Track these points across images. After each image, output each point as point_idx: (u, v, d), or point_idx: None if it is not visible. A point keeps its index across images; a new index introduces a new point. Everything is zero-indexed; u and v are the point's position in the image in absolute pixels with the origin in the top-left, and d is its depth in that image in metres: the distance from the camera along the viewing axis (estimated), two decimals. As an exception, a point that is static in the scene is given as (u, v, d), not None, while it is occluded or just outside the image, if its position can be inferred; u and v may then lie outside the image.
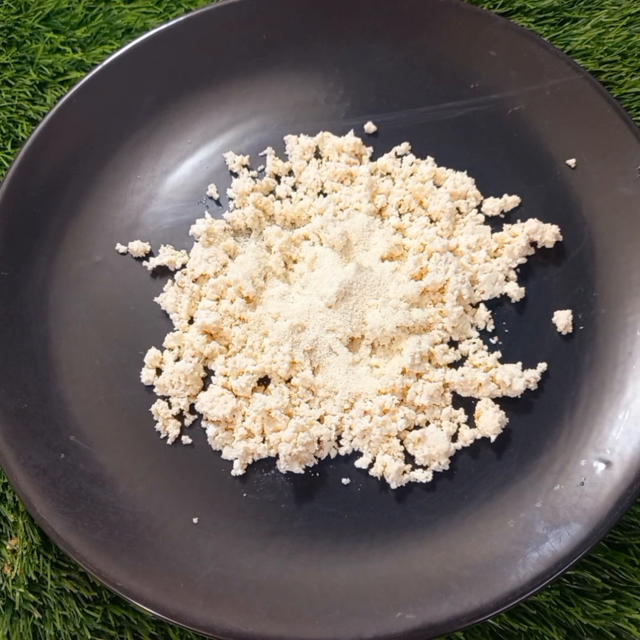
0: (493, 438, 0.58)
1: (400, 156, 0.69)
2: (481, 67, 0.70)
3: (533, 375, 0.59)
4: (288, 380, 0.61)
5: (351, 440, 0.59)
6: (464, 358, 0.62)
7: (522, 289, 0.63)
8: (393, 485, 0.57)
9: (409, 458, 0.58)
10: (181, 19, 0.71)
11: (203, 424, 0.60)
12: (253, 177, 0.69)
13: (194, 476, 0.58)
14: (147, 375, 0.61)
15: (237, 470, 0.58)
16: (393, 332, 0.60)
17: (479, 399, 0.60)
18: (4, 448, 0.56)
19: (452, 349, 0.62)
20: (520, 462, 0.57)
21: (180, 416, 0.60)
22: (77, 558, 0.53)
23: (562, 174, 0.66)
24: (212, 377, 0.61)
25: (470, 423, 0.59)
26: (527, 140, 0.68)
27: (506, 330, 0.62)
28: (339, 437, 0.59)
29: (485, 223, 0.66)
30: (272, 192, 0.68)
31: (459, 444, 0.58)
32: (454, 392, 0.60)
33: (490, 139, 0.68)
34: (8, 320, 0.61)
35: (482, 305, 0.63)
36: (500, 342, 0.62)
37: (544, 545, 0.53)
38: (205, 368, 0.62)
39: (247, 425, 0.59)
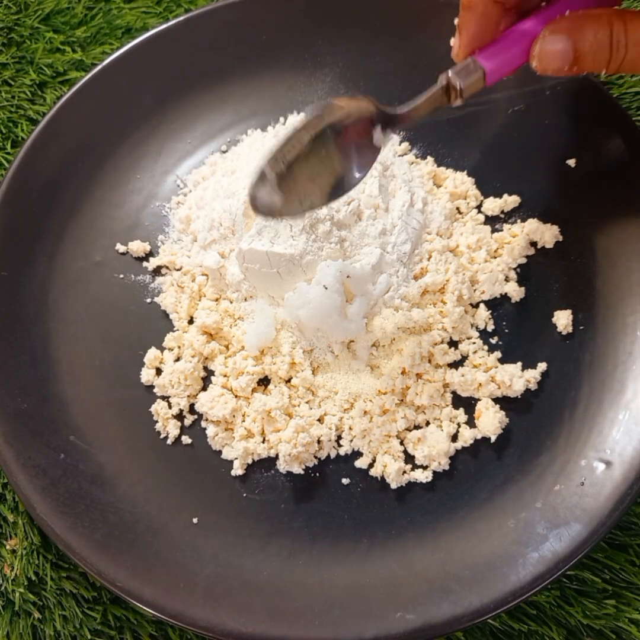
0: (493, 438, 0.58)
1: (400, 156, 0.69)
2: (481, 67, 0.70)
3: (533, 375, 0.59)
4: (288, 381, 0.61)
5: (351, 440, 0.59)
6: (464, 358, 0.62)
7: (522, 289, 0.63)
8: (393, 486, 0.57)
9: (409, 458, 0.58)
10: (181, 19, 0.72)
11: (203, 424, 0.60)
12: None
13: (194, 476, 0.58)
14: (147, 375, 0.61)
15: (237, 470, 0.58)
16: (393, 333, 0.60)
17: (479, 399, 0.60)
18: (3, 448, 0.56)
19: (452, 349, 0.62)
20: (521, 462, 0.57)
21: (180, 416, 0.60)
22: (77, 558, 0.53)
23: (562, 174, 0.66)
24: (212, 377, 0.61)
25: (471, 423, 0.59)
26: (527, 140, 0.68)
27: (506, 330, 0.62)
28: (339, 437, 0.59)
29: (485, 223, 0.66)
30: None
31: (459, 444, 0.58)
32: (454, 392, 0.60)
33: (490, 139, 0.68)
34: (8, 321, 0.61)
35: (482, 305, 0.63)
36: (500, 342, 0.62)
37: (544, 545, 0.53)
38: (205, 368, 0.62)
39: (247, 425, 0.59)
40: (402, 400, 0.59)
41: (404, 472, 0.57)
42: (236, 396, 0.60)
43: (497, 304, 0.63)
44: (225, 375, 0.61)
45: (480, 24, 0.52)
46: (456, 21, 0.53)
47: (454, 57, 0.54)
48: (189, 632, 0.56)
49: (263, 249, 0.59)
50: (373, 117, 0.50)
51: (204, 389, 0.61)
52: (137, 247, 0.66)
